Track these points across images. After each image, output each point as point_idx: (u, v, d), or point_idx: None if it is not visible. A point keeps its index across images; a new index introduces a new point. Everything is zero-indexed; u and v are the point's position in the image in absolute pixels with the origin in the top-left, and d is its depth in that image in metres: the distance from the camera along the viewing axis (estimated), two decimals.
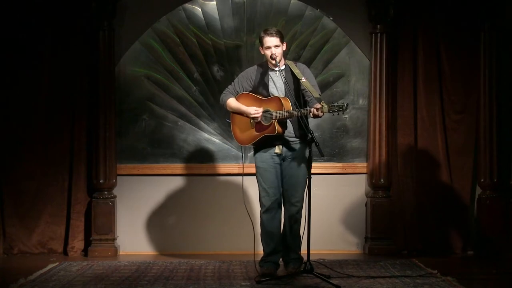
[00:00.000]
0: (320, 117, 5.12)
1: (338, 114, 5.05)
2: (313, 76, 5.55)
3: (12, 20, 6.45)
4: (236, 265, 5.92)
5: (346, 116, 6.68)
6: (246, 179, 5.56)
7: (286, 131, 5.34)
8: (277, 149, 5.37)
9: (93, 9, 6.39)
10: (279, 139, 5.35)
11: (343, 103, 5.03)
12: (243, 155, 5.71)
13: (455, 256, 6.48)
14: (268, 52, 5.32)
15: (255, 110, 5.31)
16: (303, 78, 5.27)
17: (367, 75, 6.65)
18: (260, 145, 5.40)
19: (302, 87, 5.30)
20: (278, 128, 5.25)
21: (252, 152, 5.79)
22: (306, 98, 5.33)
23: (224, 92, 5.55)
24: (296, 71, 5.33)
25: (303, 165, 5.36)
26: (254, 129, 5.37)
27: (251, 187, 5.66)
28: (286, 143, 5.37)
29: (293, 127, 5.36)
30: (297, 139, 5.37)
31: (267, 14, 6.61)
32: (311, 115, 5.09)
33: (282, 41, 5.35)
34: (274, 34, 5.31)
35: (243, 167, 5.60)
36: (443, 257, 6.41)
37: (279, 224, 5.47)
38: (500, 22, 6.55)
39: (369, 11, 6.53)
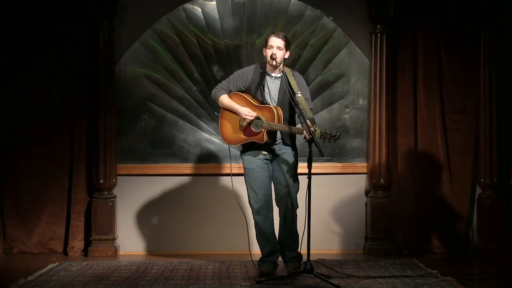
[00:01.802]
0: (306, 140, 5.07)
1: (329, 141, 5.09)
2: (307, 88, 5.56)
3: (12, 20, 6.45)
4: (236, 265, 5.92)
5: (346, 116, 6.69)
6: (239, 178, 5.59)
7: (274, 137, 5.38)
8: (264, 151, 5.39)
9: (93, 9, 6.39)
10: (266, 145, 5.37)
11: (336, 131, 5.11)
12: (231, 154, 5.72)
13: (455, 256, 6.48)
14: (269, 51, 5.31)
15: (248, 112, 5.31)
16: (299, 92, 5.26)
17: (367, 75, 6.65)
18: (248, 147, 5.41)
19: (296, 99, 5.26)
20: (266, 138, 5.29)
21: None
22: (301, 110, 5.32)
23: (216, 87, 5.55)
24: (293, 82, 5.31)
25: (292, 164, 5.40)
26: (242, 132, 5.38)
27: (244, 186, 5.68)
28: (273, 145, 5.39)
29: (282, 134, 5.38)
30: (284, 142, 5.40)
31: (267, 14, 6.61)
32: (302, 137, 5.12)
33: (286, 47, 5.35)
34: (281, 36, 5.33)
35: (231, 167, 5.63)
36: (443, 257, 6.41)
37: (273, 224, 5.48)
38: (500, 22, 6.55)
39: (369, 11, 6.53)
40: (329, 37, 6.65)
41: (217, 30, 6.62)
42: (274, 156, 5.41)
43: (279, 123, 5.25)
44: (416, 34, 6.61)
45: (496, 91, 6.54)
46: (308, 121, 5.04)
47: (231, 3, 6.61)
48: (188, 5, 6.61)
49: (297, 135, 5.47)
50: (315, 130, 5.03)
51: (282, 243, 5.50)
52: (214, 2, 6.60)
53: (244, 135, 5.36)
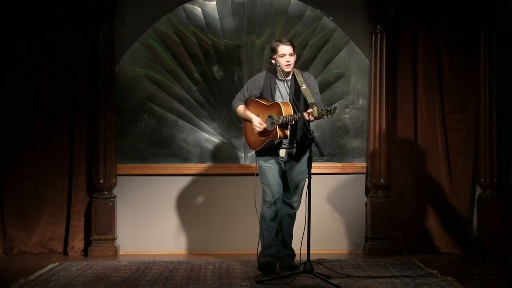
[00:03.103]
0: (312, 121, 5.24)
1: (328, 117, 5.18)
2: (317, 85, 5.67)
3: (12, 20, 6.44)
4: (236, 265, 5.92)
5: (346, 116, 6.69)
6: (247, 179, 5.57)
7: (289, 139, 5.47)
8: (281, 153, 5.53)
9: (93, 9, 6.39)
10: (282, 143, 5.49)
11: (331, 106, 5.17)
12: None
13: (455, 256, 6.48)
14: (283, 60, 5.43)
15: (259, 124, 5.47)
16: (303, 85, 5.39)
17: (367, 75, 6.65)
18: (264, 152, 5.55)
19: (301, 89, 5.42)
20: (279, 133, 5.39)
21: (253, 152, 5.82)
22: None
23: (234, 99, 5.71)
24: (300, 79, 5.45)
25: (304, 169, 5.50)
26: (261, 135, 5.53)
27: (254, 187, 5.66)
28: (288, 149, 5.52)
29: (296, 136, 5.48)
30: (299, 146, 5.52)
31: (267, 14, 6.61)
32: (306, 119, 5.21)
33: (294, 50, 5.50)
34: (289, 43, 5.47)
35: (256, 166, 5.64)
36: (443, 257, 6.41)
37: (279, 221, 5.60)
38: (500, 22, 6.55)
39: (369, 11, 6.53)
40: (329, 37, 6.65)
41: (217, 30, 6.61)
42: (289, 159, 5.54)
43: (285, 115, 5.35)
44: (416, 34, 6.61)
45: (496, 91, 6.55)
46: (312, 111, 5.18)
47: (231, 3, 6.60)
48: (188, 5, 6.61)
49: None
50: (313, 110, 5.14)
51: (279, 241, 5.64)
52: (214, 2, 6.60)
53: (262, 137, 5.51)
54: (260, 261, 5.55)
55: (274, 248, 5.60)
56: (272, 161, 5.53)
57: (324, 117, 5.18)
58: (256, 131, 5.51)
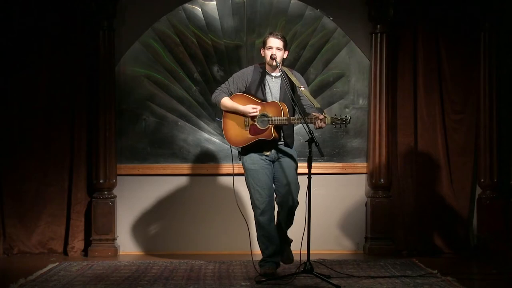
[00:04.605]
0: (322, 128, 5.15)
1: (340, 127, 5.14)
2: (307, 86, 5.56)
3: (12, 20, 6.45)
4: (236, 265, 5.92)
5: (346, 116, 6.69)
6: (238, 179, 5.55)
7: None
8: (266, 152, 5.36)
9: (93, 9, 6.39)
10: (272, 144, 5.33)
11: (346, 116, 5.10)
12: (232, 155, 5.61)
13: (455, 256, 6.48)
14: (268, 52, 5.30)
15: (253, 108, 5.28)
16: (301, 86, 5.27)
17: (367, 75, 6.66)
18: (249, 149, 5.36)
19: (300, 95, 5.32)
20: (274, 133, 5.24)
21: None
22: (303, 105, 5.36)
23: (216, 91, 5.49)
24: (294, 79, 5.32)
25: (293, 164, 5.40)
26: (248, 132, 5.33)
27: (245, 187, 5.63)
28: (275, 147, 5.37)
29: (284, 133, 5.37)
30: (286, 145, 5.39)
31: (267, 14, 6.61)
32: (315, 127, 5.13)
33: (285, 47, 5.34)
34: (279, 37, 5.32)
35: (233, 167, 5.57)
36: (443, 257, 6.41)
37: (275, 225, 5.44)
38: (500, 22, 6.55)
39: (369, 11, 6.53)
40: (329, 37, 6.65)
41: (217, 30, 6.62)
42: (277, 157, 5.39)
43: (287, 117, 5.23)
44: (416, 34, 6.62)
45: (496, 91, 6.55)
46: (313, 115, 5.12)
47: (231, 3, 6.61)
48: (188, 5, 6.62)
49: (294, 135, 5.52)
50: (325, 117, 5.07)
51: (280, 239, 5.48)
52: (214, 2, 6.61)
53: (251, 134, 5.31)
54: (263, 268, 5.35)
55: (278, 256, 5.42)
56: (260, 162, 5.32)
57: (336, 126, 5.11)
58: (254, 118, 5.26)
